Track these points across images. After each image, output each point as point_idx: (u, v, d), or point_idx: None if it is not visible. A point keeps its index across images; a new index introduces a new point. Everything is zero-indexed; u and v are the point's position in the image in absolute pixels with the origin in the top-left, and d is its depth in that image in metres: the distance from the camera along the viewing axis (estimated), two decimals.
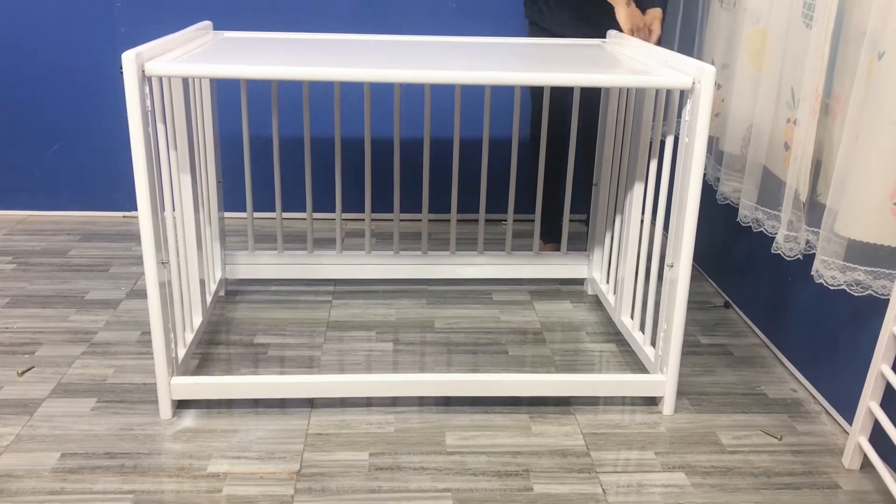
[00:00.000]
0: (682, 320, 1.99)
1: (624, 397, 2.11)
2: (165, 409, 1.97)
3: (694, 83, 1.83)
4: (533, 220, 3.42)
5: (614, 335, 2.45)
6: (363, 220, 3.41)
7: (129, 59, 1.70)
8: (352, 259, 2.72)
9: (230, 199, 3.32)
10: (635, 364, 2.28)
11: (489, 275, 2.79)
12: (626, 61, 2.14)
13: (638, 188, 2.30)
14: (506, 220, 3.43)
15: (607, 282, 2.64)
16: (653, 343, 2.25)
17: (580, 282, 2.84)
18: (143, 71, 1.75)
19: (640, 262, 2.27)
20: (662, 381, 2.04)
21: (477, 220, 3.41)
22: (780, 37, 2.14)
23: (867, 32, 1.73)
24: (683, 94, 1.91)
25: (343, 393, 2.01)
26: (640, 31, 2.49)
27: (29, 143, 3.27)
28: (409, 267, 2.75)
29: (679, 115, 1.96)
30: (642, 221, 2.26)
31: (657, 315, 2.34)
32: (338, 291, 2.70)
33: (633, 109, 2.33)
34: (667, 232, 2.90)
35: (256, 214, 3.37)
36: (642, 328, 2.34)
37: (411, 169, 3.35)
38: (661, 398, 2.07)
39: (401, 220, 3.37)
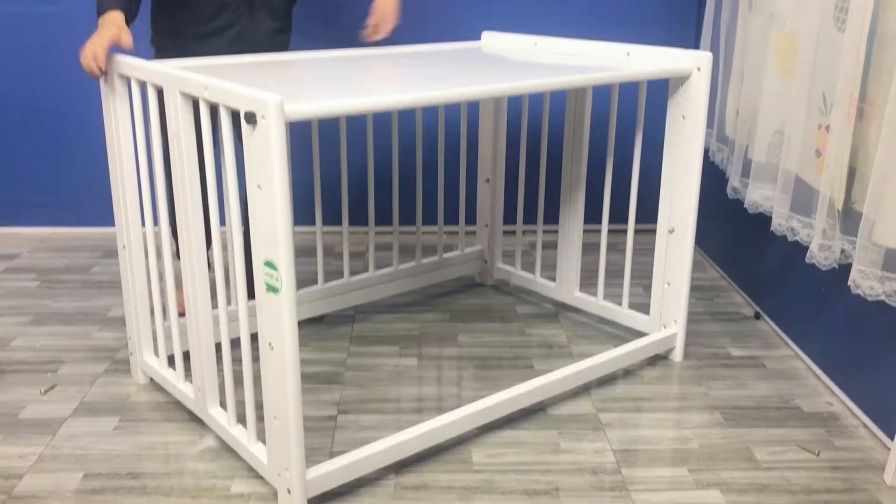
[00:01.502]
0: (688, 278, 2.15)
1: (655, 411, 2.06)
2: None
3: (694, 69, 2.09)
4: (557, 232, 3.37)
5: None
6: (391, 232, 3.38)
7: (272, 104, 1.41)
8: (380, 279, 2.66)
9: None
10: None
11: None
12: (582, 60, 2.22)
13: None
14: (530, 232, 3.40)
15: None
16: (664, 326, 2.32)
17: None
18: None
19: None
20: (674, 333, 2.27)
21: None
22: (811, 41, 2.08)
23: None
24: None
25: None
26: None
27: (51, 160, 3.28)
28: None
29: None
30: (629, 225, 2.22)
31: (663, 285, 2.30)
32: (360, 306, 2.67)
33: (615, 104, 2.35)
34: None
35: None
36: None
37: (406, 182, 3.32)
38: (672, 350, 2.25)
39: (423, 234, 3.35)
